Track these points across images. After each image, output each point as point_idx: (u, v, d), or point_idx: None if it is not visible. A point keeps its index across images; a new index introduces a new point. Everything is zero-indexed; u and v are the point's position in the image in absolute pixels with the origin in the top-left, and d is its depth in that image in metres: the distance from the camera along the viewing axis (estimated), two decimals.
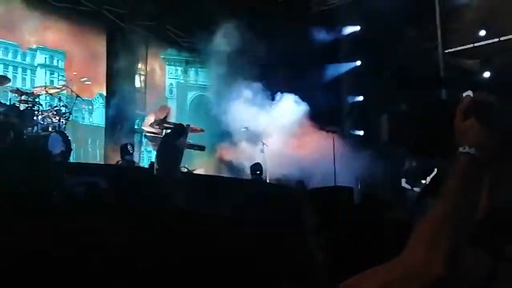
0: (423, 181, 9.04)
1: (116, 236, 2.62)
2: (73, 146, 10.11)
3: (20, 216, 2.72)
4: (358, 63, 13.91)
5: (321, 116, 12.61)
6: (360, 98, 14.07)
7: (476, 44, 11.79)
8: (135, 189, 6.04)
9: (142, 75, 14.03)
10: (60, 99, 10.49)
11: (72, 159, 10.16)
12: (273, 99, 13.08)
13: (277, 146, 11.93)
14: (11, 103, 9.72)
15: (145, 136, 12.46)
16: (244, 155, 12.26)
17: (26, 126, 9.37)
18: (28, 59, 12.09)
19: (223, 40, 14.13)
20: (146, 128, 12.04)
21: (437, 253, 1.08)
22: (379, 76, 12.61)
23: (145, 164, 12.37)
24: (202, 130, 12.04)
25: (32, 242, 2.45)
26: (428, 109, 1.26)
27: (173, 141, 9.28)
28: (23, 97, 9.73)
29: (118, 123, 13.06)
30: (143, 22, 13.52)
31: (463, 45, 12.03)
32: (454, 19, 11.95)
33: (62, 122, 10.05)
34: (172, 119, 12.42)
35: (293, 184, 10.38)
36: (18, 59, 11.94)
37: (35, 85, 11.37)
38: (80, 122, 12.67)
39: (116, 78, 13.31)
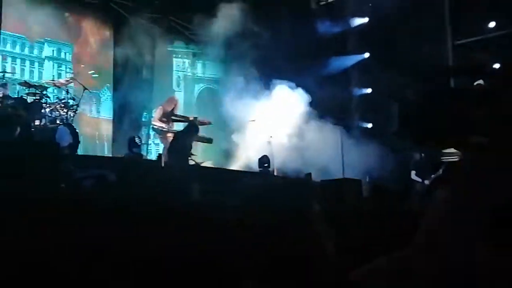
0: (433, 174, 9.01)
1: (124, 229, 2.60)
2: (81, 138, 10.12)
3: (28, 209, 2.70)
4: (367, 55, 13.83)
5: (329, 109, 12.57)
6: (369, 90, 14.00)
7: (486, 36, 11.68)
8: (143, 182, 6.05)
9: (149, 68, 14.03)
10: (67, 92, 10.51)
11: (79, 151, 10.19)
12: (279, 91, 13.03)
13: (284, 138, 11.89)
14: (19, 96, 9.77)
15: (153, 129, 12.47)
16: (251, 148, 12.25)
17: (34, 119, 9.40)
18: (35, 52, 12.12)
19: (230, 33, 14.13)
20: (155, 121, 12.05)
21: (447, 245, 1.06)
22: (387, 68, 12.54)
23: (152, 156, 12.39)
24: (209, 123, 12.05)
25: (40, 236, 2.44)
26: (437, 99, 1.24)
27: (186, 138, 9.35)
28: (30, 90, 9.76)
29: (126, 115, 13.08)
30: (150, 15, 13.50)
31: (473, 37, 11.93)
32: (464, 10, 11.85)
33: (70, 114, 10.08)
34: (180, 111, 12.43)
35: (301, 176, 10.36)
36: (26, 51, 11.96)
37: (43, 78, 11.40)
38: (88, 115, 12.70)
39: (123, 71, 13.32)
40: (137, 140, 10.77)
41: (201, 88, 15.05)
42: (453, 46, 12.21)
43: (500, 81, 1.16)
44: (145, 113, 13.47)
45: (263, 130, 11.96)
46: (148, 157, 11.88)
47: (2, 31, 11.28)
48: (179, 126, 12.01)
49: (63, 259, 2.31)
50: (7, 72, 10.25)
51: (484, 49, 11.52)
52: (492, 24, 11.58)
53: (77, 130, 9.67)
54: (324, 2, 14.12)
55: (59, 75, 12.03)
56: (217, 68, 14.83)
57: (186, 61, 14.92)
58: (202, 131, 11.55)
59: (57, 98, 10.52)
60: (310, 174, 10.35)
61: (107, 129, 13.11)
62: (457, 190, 1.11)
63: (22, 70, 11.68)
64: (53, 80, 10.78)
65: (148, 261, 2.41)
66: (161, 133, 12.03)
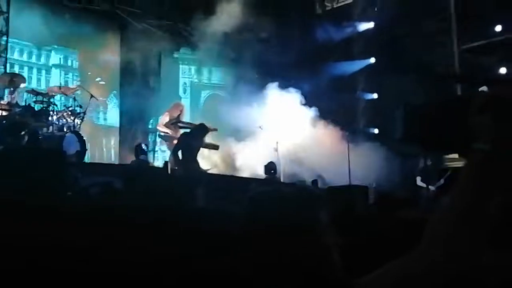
0: (438, 179, 8.99)
1: (132, 236, 2.61)
2: (88, 146, 10.16)
3: (34, 216, 2.72)
4: (372, 60, 13.83)
5: (335, 114, 12.57)
6: (375, 95, 14.00)
7: (492, 40, 11.66)
8: (150, 189, 6.06)
9: (156, 74, 14.08)
10: (74, 99, 10.56)
11: (86, 159, 10.22)
12: (286, 97, 13.04)
13: (290, 145, 11.88)
14: (27, 104, 9.82)
15: (160, 135, 12.50)
16: (258, 154, 12.25)
17: (41, 126, 9.44)
18: (42, 60, 12.19)
19: (236, 39, 14.18)
20: (161, 128, 12.07)
21: (455, 250, 1.07)
22: (393, 73, 12.54)
23: (159, 163, 12.42)
24: (215, 130, 12.05)
25: (46, 243, 2.45)
26: (442, 105, 1.25)
27: (191, 140, 9.34)
28: (38, 98, 9.81)
29: (132, 122, 13.14)
30: (157, 22, 13.57)
31: (478, 41, 11.91)
32: (470, 14, 11.83)
33: (77, 122, 10.12)
34: (186, 117, 12.45)
35: (308, 183, 10.35)
36: (33, 59, 12.05)
37: (50, 85, 11.46)
38: (95, 122, 12.75)
39: (130, 78, 13.39)
40: (144, 147, 10.79)
41: (207, 95, 15.09)
42: (459, 50, 12.19)
43: (505, 87, 1.17)
44: (151, 120, 13.51)
45: (270, 137, 11.95)
46: (155, 164, 11.91)
47: (9, 38, 11.37)
48: None
49: (70, 265, 2.33)
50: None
51: (490, 53, 11.50)
52: (498, 28, 11.55)
53: (84, 138, 9.70)
54: (329, 7, 14.15)
55: (66, 83, 12.10)
56: (223, 75, 14.87)
57: (192, 67, 14.97)
58: (209, 138, 11.55)
59: (64, 105, 10.57)
60: (316, 180, 10.33)
61: (114, 136, 13.16)
62: (463, 196, 1.12)
63: (29, 77, 11.75)
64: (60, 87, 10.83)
65: (153, 268, 2.42)
66: (168, 139, 12.03)
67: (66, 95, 10.68)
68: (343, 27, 13.89)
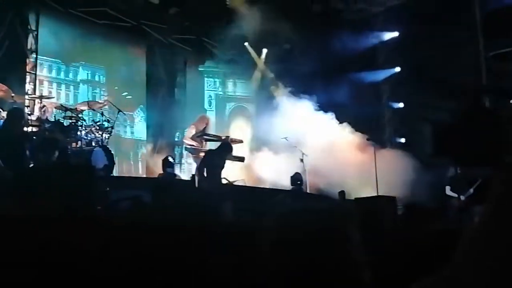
0: (469, 189, 8.83)
1: (162, 250, 2.64)
2: (116, 160, 10.27)
3: (65, 230, 2.76)
4: (397, 69, 13.75)
5: (361, 124, 12.49)
6: (401, 104, 13.89)
7: None
8: (178, 202, 6.09)
9: (181, 87, 14.22)
10: (102, 114, 10.70)
11: (115, 173, 10.33)
12: (311, 108, 13.02)
13: (316, 155, 11.83)
14: (56, 119, 9.99)
15: (186, 148, 12.58)
16: (284, 165, 12.23)
17: (70, 142, 9.58)
18: (71, 76, 12.41)
19: (260, 50, 14.24)
20: (187, 140, 12.15)
21: (487, 269, 1.04)
22: (419, 82, 12.43)
23: (186, 176, 12.49)
24: (241, 141, 12.08)
25: (78, 257, 2.49)
26: (473, 118, 1.23)
27: (215, 159, 9.38)
28: (67, 113, 9.97)
29: (159, 136, 13.26)
30: (182, 36, 13.72)
31: (506, 48, 11.73)
32: (496, 20, 11.67)
33: (105, 136, 10.24)
34: (211, 130, 12.52)
35: (334, 194, 10.28)
36: (62, 76, 12.27)
37: (78, 101, 11.65)
38: (122, 136, 12.91)
39: (156, 92, 13.55)
40: (170, 159, 10.87)
41: (233, 107, 15.16)
42: (485, 57, 12.02)
43: None
44: (177, 133, 13.62)
45: (296, 148, 11.93)
46: (182, 177, 11.98)
47: (39, 55, 11.62)
48: (212, 145, 12.11)
49: (101, 277, 2.36)
50: (46, 96, 10.54)
51: None
52: None
53: (112, 152, 9.81)
54: (353, 17, 14.12)
55: (94, 97, 12.30)
56: (247, 87, 14.93)
57: (217, 80, 15.08)
58: (234, 150, 11.58)
59: (93, 120, 10.72)
60: (343, 192, 10.24)
61: (141, 149, 13.30)
62: (494, 211, 1.10)
63: (58, 93, 11.98)
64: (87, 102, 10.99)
65: (180, 280, 2.43)
66: (194, 152, 12.11)
67: (94, 110, 10.85)
68: (368, 37, 13.85)
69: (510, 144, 1.13)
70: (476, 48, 12.07)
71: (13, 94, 9.41)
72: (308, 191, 11.27)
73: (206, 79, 15.02)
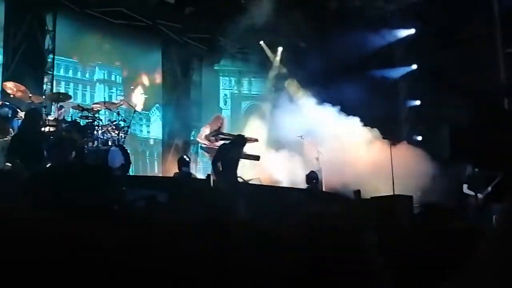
0: (486, 187, 8.72)
1: (179, 249, 2.63)
2: (132, 159, 10.32)
3: (83, 230, 2.76)
4: (414, 66, 13.65)
5: (377, 122, 12.41)
6: (417, 102, 13.78)
7: None
8: (194, 200, 6.11)
9: (197, 86, 14.25)
10: (118, 113, 10.76)
11: (131, 171, 10.38)
12: (326, 105, 12.96)
13: (332, 154, 11.77)
14: (73, 119, 10.07)
15: (201, 147, 12.60)
16: (299, 164, 12.19)
17: (87, 141, 9.65)
18: (87, 75, 12.51)
19: (276, 48, 14.21)
20: (202, 140, 12.17)
21: (504, 275, 1.02)
22: (436, 80, 12.32)
23: (202, 175, 12.50)
24: (256, 140, 12.06)
25: (97, 257, 2.49)
26: (491, 121, 1.21)
27: (229, 151, 9.39)
28: (83, 113, 10.04)
29: (175, 134, 13.30)
30: (197, 35, 13.75)
31: None
32: None
33: (121, 136, 10.29)
34: (226, 129, 12.52)
35: (350, 193, 10.21)
36: (79, 75, 12.37)
37: (95, 101, 11.73)
38: (139, 135, 12.97)
39: (172, 91, 13.60)
40: (186, 158, 10.89)
41: (248, 105, 15.15)
42: (504, 54, 11.87)
43: None
44: (193, 131, 13.65)
45: (311, 146, 11.89)
46: (198, 176, 12.00)
47: (56, 56, 11.72)
48: None
49: (117, 276, 2.36)
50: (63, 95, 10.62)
51: None
52: None
53: (128, 151, 9.85)
54: (370, 15, 14.03)
55: (110, 97, 12.38)
56: (263, 85, 14.92)
57: (233, 79, 15.08)
58: (249, 148, 11.57)
59: (109, 120, 10.78)
60: (359, 190, 10.17)
61: (157, 148, 13.36)
62: None
63: (75, 93, 12.07)
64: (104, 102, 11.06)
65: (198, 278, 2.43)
66: (209, 151, 12.12)
67: (111, 109, 10.91)
68: (384, 34, 13.76)
69: None
70: (494, 44, 11.93)
71: (30, 95, 9.50)
72: (323, 189, 11.22)
73: (221, 77, 15.03)
